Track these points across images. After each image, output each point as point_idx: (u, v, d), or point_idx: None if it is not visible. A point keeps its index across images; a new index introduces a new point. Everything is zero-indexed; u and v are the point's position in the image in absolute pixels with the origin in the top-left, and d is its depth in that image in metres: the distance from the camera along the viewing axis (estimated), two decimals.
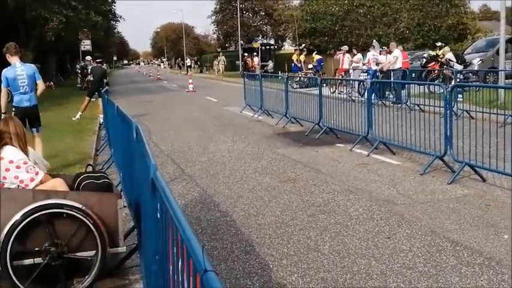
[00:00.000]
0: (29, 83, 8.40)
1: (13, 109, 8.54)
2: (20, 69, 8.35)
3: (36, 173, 4.54)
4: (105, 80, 17.38)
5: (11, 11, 30.22)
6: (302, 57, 29.06)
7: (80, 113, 16.34)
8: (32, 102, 8.53)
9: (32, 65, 8.82)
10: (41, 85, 8.69)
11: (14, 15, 30.97)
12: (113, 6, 49.37)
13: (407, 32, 40.67)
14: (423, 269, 4.71)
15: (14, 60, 8.32)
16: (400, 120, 9.49)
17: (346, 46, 26.41)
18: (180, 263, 2.37)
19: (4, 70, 8.36)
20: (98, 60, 18.59)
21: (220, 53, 49.96)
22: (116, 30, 78.72)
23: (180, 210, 2.42)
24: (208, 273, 1.78)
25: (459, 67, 19.87)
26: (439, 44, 24.95)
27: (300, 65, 29.10)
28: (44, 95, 9.01)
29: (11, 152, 4.53)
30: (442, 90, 8.63)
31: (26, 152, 4.69)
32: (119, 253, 4.67)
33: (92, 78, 17.90)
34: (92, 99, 16.91)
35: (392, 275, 4.62)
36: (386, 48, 21.39)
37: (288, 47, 63.40)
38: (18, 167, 4.49)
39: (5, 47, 8.46)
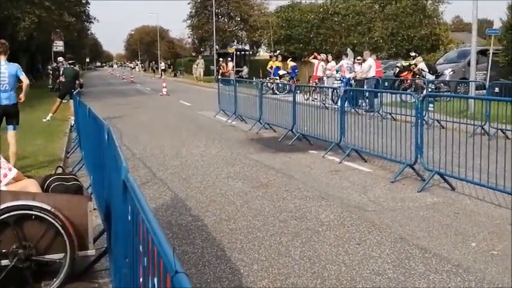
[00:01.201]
0: (9, 82, 8.44)
1: None
2: (3, 67, 8.38)
3: (10, 169, 4.47)
4: (77, 82, 17.19)
5: None
6: (277, 63, 29.14)
7: (50, 115, 16.14)
8: (11, 100, 8.55)
9: (15, 64, 8.75)
10: (25, 80, 8.74)
11: None
12: (87, 8, 48.92)
13: (381, 41, 41.19)
14: (392, 275, 4.76)
15: (0, 57, 8.35)
16: (372, 128, 9.59)
17: (323, 54, 26.64)
18: (148, 263, 2.36)
19: None
20: (70, 62, 18.41)
21: (199, 56, 49.53)
22: (90, 31, 77.91)
23: (152, 212, 2.41)
24: (179, 275, 1.78)
25: (431, 77, 20.20)
26: (413, 54, 25.34)
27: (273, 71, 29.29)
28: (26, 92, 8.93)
29: None
30: (414, 100, 8.76)
31: None
32: (88, 256, 4.62)
33: (64, 80, 17.65)
34: (63, 101, 16.69)
35: (362, 281, 4.66)
36: (360, 57, 21.60)
37: (263, 53, 63.62)
38: None
39: None
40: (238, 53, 45.23)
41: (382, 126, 9.44)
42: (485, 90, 16.08)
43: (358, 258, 5.17)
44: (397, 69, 25.03)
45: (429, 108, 12.52)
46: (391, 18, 41.40)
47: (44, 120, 15.78)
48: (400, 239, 5.69)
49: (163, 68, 61.45)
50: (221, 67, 39.15)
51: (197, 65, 45.82)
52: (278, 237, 5.82)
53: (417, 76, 21.03)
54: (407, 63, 24.38)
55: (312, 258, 5.21)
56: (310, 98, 18.23)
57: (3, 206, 4.12)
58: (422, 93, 18.39)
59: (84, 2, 44.64)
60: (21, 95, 8.81)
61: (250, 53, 56.65)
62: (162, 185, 8.30)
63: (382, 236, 5.79)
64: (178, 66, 65.85)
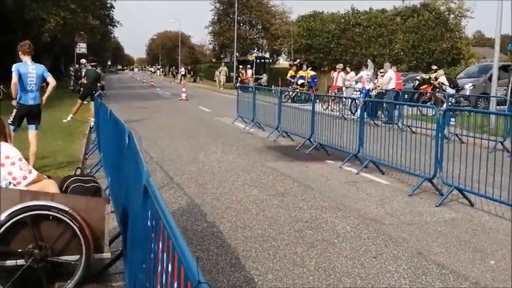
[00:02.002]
0: (36, 82, 8.64)
1: (16, 105, 8.67)
2: (31, 67, 8.57)
3: (30, 171, 4.49)
4: (99, 84, 17.33)
5: (10, 9, 30.17)
6: (302, 73, 28.84)
7: (71, 116, 16.28)
8: (36, 101, 8.74)
9: (41, 65, 8.90)
10: (51, 81, 8.88)
11: (12, 14, 30.91)
12: (111, 11, 49.42)
13: (401, 53, 41.02)
14: None
15: (26, 58, 8.55)
16: (390, 140, 9.52)
17: (341, 64, 26.57)
18: (169, 270, 2.35)
19: (17, 64, 8.54)
20: (92, 64, 18.58)
21: (222, 63, 49.17)
22: (112, 35, 78.75)
23: (173, 219, 2.40)
24: (202, 285, 1.76)
25: (451, 91, 20.03)
26: (434, 67, 25.20)
27: (293, 80, 29.26)
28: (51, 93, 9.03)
29: (8, 147, 4.49)
30: (434, 113, 8.68)
31: None
32: (103, 259, 4.62)
33: (85, 81, 17.81)
34: (84, 102, 16.84)
35: None
36: (382, 69, 21.50)
37: (282, 62, 63.67)
38: (13, 163, 4.44)
39: (20, 44, 8.70)
40: (258, 60, 45.35)
41: (401, 139, 9.37)
42: (505, 106, 15.92)
43: (374, 272, 5.11)
44: (417, 81, 24.92)
45: (451, 123, 12.41)
46: (413, 31, 41.23)
47: (64, 121, 15.92)
48: (418, 254, 5.62)
49: (183, 73, 61.75)
50: (240, 74, 39.22)
51: (220, 72, 45.35)
52: (293, 247, 5.78)
53: (437, 89, 20.87)
54: (428, 76, 24.25)
55: (327, 270, 5.16)
56: (329, 107, 18.19)
57: (21, 205, 4.14)
58: (442, 106, 18.25)
59: (109, 5, 45.11)
60: (44, 97, 8.93)
61: (270, 61, 56.71)
62: (178, 189, 8.32)
63: (399, 250, 5.72)
64: (198, 72, 66.11)
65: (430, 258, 5.51)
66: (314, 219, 6.82)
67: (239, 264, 5.30)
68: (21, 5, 30.00)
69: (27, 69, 8.51)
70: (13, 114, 8.64)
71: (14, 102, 8.72)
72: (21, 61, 8.55)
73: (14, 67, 8.47)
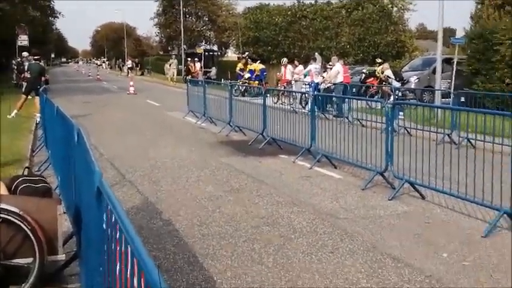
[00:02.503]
0: None
1: None
2: None
3: None
4: (43, 78, 16.80)
5: None
6: (256, 66, 28.77)
7: (15, 111, 15.75)
8: None
9: None
10: None
11: None
12: (52, 2, 47.95)
13: (348, 46, 41.61)
14: (366, 285, 4.76)
15: None
16: (341, 134, 9.61)
17: (285, 59, 26.68)
18: (128, 275, 2.29)
19: None
20: (35, 57, 17.96)
21: (173, 56, 47.45)
22: (55, 26, 76.44)
23: (130, 223, 2.32)
24: None
25: (397, 84, 20.45)
26: (379, 60, 25.66)
27: (243, 74, 29.25)
28: None
29: None
30: (384, 107, 8.83)
31: None
32: (58, 260, 4.47)
33: (29, 75, 17.22)
34: (28, 97, 16.30)
35: None
36: (330, 63, 21.70)
37: (231, 54, 63.49)
38: None
39: None
40: (206, 53, 44.94)
41: (352, 132, 9.46)
42: (450, 99, 16.38)
43: (331, 267, 5.15)
44: (363, 75, 25.35)
45: (399, 117, 12.67)
46: (358, 24, 41.88)
47: (8, 116, 15.37)
48: (373, 248, 5.70)
49: (130, 66, 60.62)
50: (190, 67, 38.84)
51: (170, 65, 44.29)
52: (251, 243, 5.77)
53: (383, 83, 21.27)
54: (373, 69, 24.71)
55: (285, 266, 5.17)
56: (279, 101, 18.27)
57: None
58: (389, 99, 18.62)
59: None
60: None
61: (219, 53, 56.42)
62: (131, 187, 8.16)
63: (355, 245, 5.79)
64: (145, 65, 65.08)
65: (385, 251, 5.60)
66: (270, 215, 6.82)
67: (197, 262, 5.24)
68: None
69: None
70: None
71: None
72: None
73: None
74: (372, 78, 23.51)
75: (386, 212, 7.07)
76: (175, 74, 42.75)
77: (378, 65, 24.63)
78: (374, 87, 21.70)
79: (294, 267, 5.13)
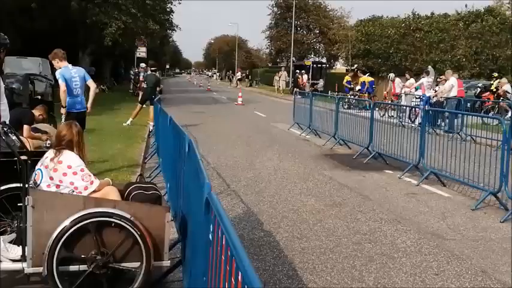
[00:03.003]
0: (81, 86, 8.44)
1: (64, 114, 8.40)
2: (73, 71, 8.41)
3: (91, 182, 4.58)
4: (158, 88, 17.63)
5: (73, 13, 31.19)
6: (369, 78, 28.27)
7: (131, 119, 16.62)
8: (83, 105, 8.55)
9: (81, 67, 8.85)
10: (92, 84, 8.70)
11: (75, 18, 31.94)
12: (171, 16, 50.27)
13: (463, 60, 39.82)
14: None
15: (65, 63, 8.34)
16: (452, 151, 9.24)
17: (392, 74, 26.21)
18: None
19: (59, 70, 8.31)
20: (152, 69, 18.90)
21: (282, 68, 47.49)
22: (171, 39, 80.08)
23: (237, 237, 2.37)
24: None
25: None
26: (495, 74, 24.38)
27: (351, 86, 28.96)
28: (96, 98, 9.09)
29: (71, 157, 4.59)
30: (500, 123, 8.36)
31: (84, 162, 4.74)
32: (163, 266, 4.66)
33: (145, 86, 18.18)
34: (143, 106, 17.18)
35: None
36: (442, 76, 20.95)
37: (340, 67, 63.06)
38: (75, 173, 4.54)
39: (53, 52, 8.46)
40: (314, 65, 45.02)
41: (463, 149, 9.06)
42: None
43: None
44: (478, 89, 24.17)
45: None
46: (476, 37, 39.94)
47: (124, 124, 16.28)
48: (482, 273, 5.41)
49: (239, 77, 62.12)
50: (297, 79, 39.09)
51: (279, 77, 44.40)
52: (351, 260, 5.68)
53: (501, 98, 20.15)
54: (489, 84, 23.51)
55: (387, 286, 5.03)
56: (386, 114, 17.87)
57: (85, 212, 4.23)
58: (506, 116, 17.61)
59: (168, 10, 45.88)
60: (89, 105, 8.67)
61: (327, 66, 56.27)
62: (235, 196, 8.33)
63: (462, 268, 5.53)
64: (254, 77, 66.37)
65: (495, 277, 5.30)
66: (373, 232, 6.68)
67: (296, 276, 5.24)
68: (84, 9, 30.98)
69: (70, 73, 8.30)
70: (63, 119, 8.29)
71: (63, 111, 8.40)
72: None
73: (58, 73, 8.25)
74: (488, 93, 22.38)
75: (497, 235, 6.68)
76: (284, 86, 42.91)
77: (494, 79, 23.43)
78: (489, 102, 20.64)
79: None
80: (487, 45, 39.30)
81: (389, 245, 6.19)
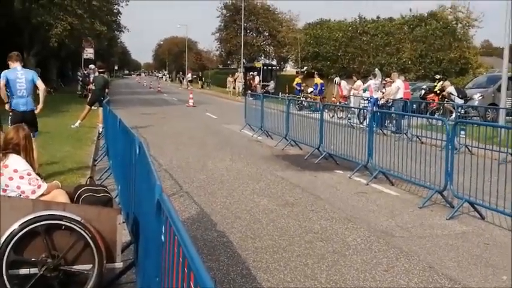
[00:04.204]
0: (27, 88, 8.67)
1: (10, 113, 8.70)
2: (20, 73, 8.65)
3: (39, 186, 4.49)
4: (107, 90, 17.37)
5: (17, 13, 30.34)
6: (318, 80, 28.62)
7: (79, 121, 16.31)
8: (28, 106, 8.74)
9: (31, 70, 9.00)
10: (41, 85, 8.90)
11: (19, 18, 31.08)
12: (118, 17, 49.55)
13: (409, 62, 40.91)
14: None
15: (16, 64, 8.64)
16: (400, 151, 9.48)
17: (337, 78, 26.87)
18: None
19: (5, 71, 8.65)
20: (100, 70, 18.61)
21: (239, 69, 46.69)
22: (119, 40, 78.98)
23: (189, 237, 2.38)
24: None
25: (460, 101, 19.95)
26: (437, 76, 25.19)
27: (301, 88, 29.31)
28: (44, 99, 9.10)
29: (17, 161, 4.48)
30: (444, 124, 8.64)
31: (32, 165, 4.64)
32: (115, 268, 4.60)
33: (93, 87, 17.87)
34: (92, 108, 16.88)
35: None
36: (388, 78, 21.48)
37: (290, 69, 63.66)
38: (21, 177, 4.44)
39: (8, 55, 8.78)
40: (265, 67, 45.28)
41: (410, 149, 9.31)
42: None
43: (385, 286, 5.07)
44: (423, 91, 24.88)
45: (461, 136, 12.35)
46: (420, 40, 41.13)
47: (72, 126, 15.95)
48: (429, 268, 5.57)
49: (190, 79, 61.78)
50: (250, 81, 39.21)
51: (235, 79, 43.59)
52: (304, 258, 5.75)
53: (446, 100, 20.81)
54: (433, 85, 24.25)
55: (339, 282, 5.13)
56: (335, 116, 18.15)
57: (34, 215, 4.14)
58: (451, 116, 18.20)
59: (115, 11, 45.23)
60: (39, 106, 8.95)
61: (278, 68, 56.71)
62: (187, 198, 8.30)
63: (411, 264, 5.68)
64: (205, 78, 66.20)
65: (442, 272, 5.47)
66: (324, 231, 6.78)
67: (250, 275, 5.27)
68: (27, 9, 30.19)
69: (16, 75, 8.58)
70: (9, 120, 8.62)
71: (6, 107, 8.76)
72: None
73: (3, 73, 8.58)
74: (432, 94, 23.07)
75: (444, 232, 6.90)
76: (240, 88, 42.25)
77: (437, 81, 24.18)
78: (434, 103, 21.27)
79: (347, 285, 5.08)
80: (431, 48, 40.56)
81: (340, 243, 6.31)
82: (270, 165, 11.56)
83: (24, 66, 9.00)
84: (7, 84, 8.57)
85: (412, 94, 24.19)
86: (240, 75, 43.78)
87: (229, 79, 45.83)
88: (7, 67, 8.75)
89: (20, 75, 8.59)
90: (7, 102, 8.68)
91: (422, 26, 41.96)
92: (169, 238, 2.75)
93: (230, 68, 66.08)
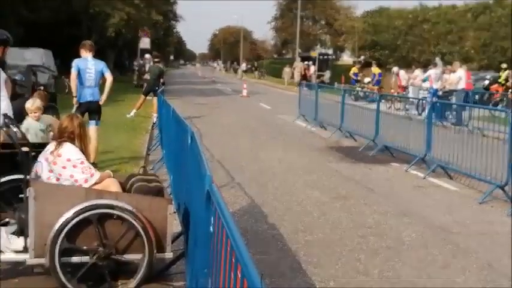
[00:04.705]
0: (95, 78, 8.68)
1: (76, 104, 8.70)
2: (91, 63, 8.65)
3: (92, 175, 4.53)
4: (161, 80, 17.56)
5: (76, 4, 31.16)
6: (375, 70, 28.02)
7: (134, 111, 16.56)
8: (95, 97, 8.75)
9: (101, 61, 9.00)
10: (109, 77, 8.91)
11: (78, 8, 31.91)
12: (174, 7, 50.21)
13: (472, 51, 39.52)
14: None
15: (87, 54, 8.64)
16: (459, 144, 9.15)
17: (396, 68, 26.18)
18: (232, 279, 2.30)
19: (76, 59, 8.66)
20: (156, 60, 18.80)
21: (298, 59, 44.12)
22: (175, 30, 79.95)
23: (237, 229, 2.32)
24: None
25: None
26: (504, 66, 24.18)
27: (358, 78, 28.79)
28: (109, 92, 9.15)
29: (70, 150, 4.53)
30: (508, 116, 8.26)
31: (85, 153, 4.69)
32: (165, 258, 4.62)
33: (148, 77, 18.11)
34: (147, 98, 17.11)
35: None
36: (449, 67, 20.79)
37: (346, 58, 62.83)
38: (74, 166, 4.49)
39: (82, 43, 8.87)
40: (321, 57, 44.80)
41: (471, 142, 8.97)
42: None
43: (441, 284, 4.88)
44: (487, 81, 23.97)
45: None
46: (484, 28, 39.64)
47: (127, 116, 16.23)
48: (488, 266, 5.34)
49: (244, 69, 61.90)
50: (305, 71, 38.74)
51: (294, 68, 41.27)
52: (356, 253, 5.62)
53: (510, 90, 19.99)
54: (498, 76, 23.31)
55: (392, 279, 4.98)
56: (393, 107, 17.74)
57: (86, 203, 4.19)
58: None
59: (172, 1, 45.82)
60: (103, 97, 8.94)
61: (333, 57, 56.04)
62: (239, 189, 8.28)
63: (468, 261, 5.46)
64: (260, 68, 66.21)
65: (501, 271, 5.24)
66: (378, 225, 6.61)
67: (300, 269, 5.19)
68: (87, 0, 30.99)
69: (87, 64, 8.59)
70: (73, 110, 8.64)
71: (74, 101, 8.73)
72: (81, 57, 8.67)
73: (74, 63, 8.58)
74: (497, 85, 22.20)
75: (504, 229, 6.60)
76: (299, 78, 38.31)
77: (503, 70, 23.23)
78: (498, 94, 20.47)
79: (401, 281, 4.93)
80: (496, 36, 38.99)
81: (394, 238, 6.13)
82: (323, 156, 11.41)
83: (79, 57, 9.01)
84: (78, 71, 8.56)
85: (474, 85, 23.37)
86: (299, 65, 42.27)
87: (286, 69, 44.53)
88: (70, 57, 8.84)
89: (90, 65, 8.59)
90: (75, 96, 8.65)
91: (486, 13, 40.39)
92: (217, 229, 2.72)
93: (285, 58, 65.83)
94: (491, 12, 40.11)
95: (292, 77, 41.43)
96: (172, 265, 4.85)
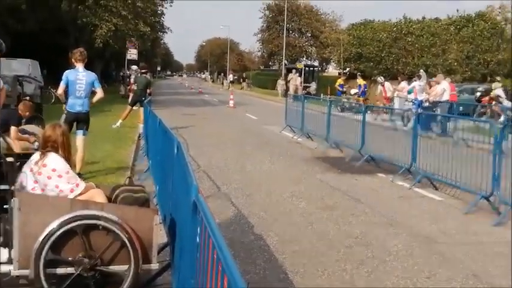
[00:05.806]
0: (85, 89, 8.66)
1: (65, 112, 8.75)
2: (81, 74, 8.63)
3: (77, 185, 4.51)
4: (148, 90, 17.54)
5: (64, 16, 31.08)
6: (361, 81, 28.21)
7: (120, 121, 16.51)
8: (84, 107, 8.75)
9: (93, 73, 9.00)
10: (99, 93, 9.02)
11: (66, 21, 31.82)
12: (162, 18, 50.15)
13: (455, 64, 39.97)
14: None
15: (79, 65, 8.63)
16: (444, 154, 9.21)
17: (381, 77, 26.30)
18: None
19: (67, 71, 8.70)
20: (143, 71, 18.81)
21: (293, 70, 41.10)
22: (162, 41, 79.91)
23: (224, 240, 2.32)
24: None
25: (508, 104, 19.34)
26: (498, 78, 24.40)
27: (344, 90, 28.98)
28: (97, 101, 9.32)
29: (56, 160, 4.50)
30: (492, 127, 8.34)
31: (69, 162, 4.66)
32: (151, 269, 4.58)
33: (135, 88, 18.09)
34: (133, 108, 17.07)
35: None
36: (434, 79, 21.00)
37: (332, 70, 63.19)
38: (60, 176, 4.46)
39: (72, 52, 8.90)
40: (306, 68, 44.98)
41: (456, 153, 9.04)
42: None
43: None
44: (479, 93, 24.15)
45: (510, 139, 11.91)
46: (467, 41, 40.17)
47: (113, 126, 16.16)
48: (473, 276, 5.37)
49: (231, 80, 61.97)
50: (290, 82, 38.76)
51: (289, 80, 38.67)
52: (343, 263, 5.62)
53: (493, 102, 20.21)
54: (489, 88, 23.52)
55: None
56: (378, 118, 17.84)
57: (72, 214, 4.16)
58: (498, 120, 17.64)
59: (159, 12, 45.81)
60: (93, 99, 9.09)
61: (319, 69, 56.30)
62: (225, 199, 8.26)
63: (454, 271, 5.48)
64: (247, 79, 66.27)
65: (486, 280, 5.27)
66: (364, 235, 6.62)
67: (287, 279, 5.18)
68: (74, 10, 30.92)
69: (77, 75, 8.58)
70: (62, 119, 8.69)
71: (63, 107, 8.84)
72: (74, 67, 8.66)
73: (64, 75, 8.63)
74: (488, 97, 22.41)
75: (490, 239, 6.65)
76: (294, 90, 36.01)
77: (496, 83, 23.44)
78: (484, 107, 20.69)
79: None
80: (478, 49, 39.55)
81: (380, 248, 6.14)
82: (309, 167, 11.42)
83: (66, 67, 9.09)
84: (66, 84, 8.61)
85: (458, 96, 23.58)
86: (294, 76, 38.88)
87: (280, 82, 43.63)
88: (57, 68, 8.87)
89: (81, 76, 8.57)
90: (64, 103, 8.78)
91: (469, 26, 40.99)
92: (204, 240, 2.72)
93: (271, 69, 66.03)
94: (474, 26, 40.70)
95: (287, 89, 40.13)
96: (159, 276, 4.82)
